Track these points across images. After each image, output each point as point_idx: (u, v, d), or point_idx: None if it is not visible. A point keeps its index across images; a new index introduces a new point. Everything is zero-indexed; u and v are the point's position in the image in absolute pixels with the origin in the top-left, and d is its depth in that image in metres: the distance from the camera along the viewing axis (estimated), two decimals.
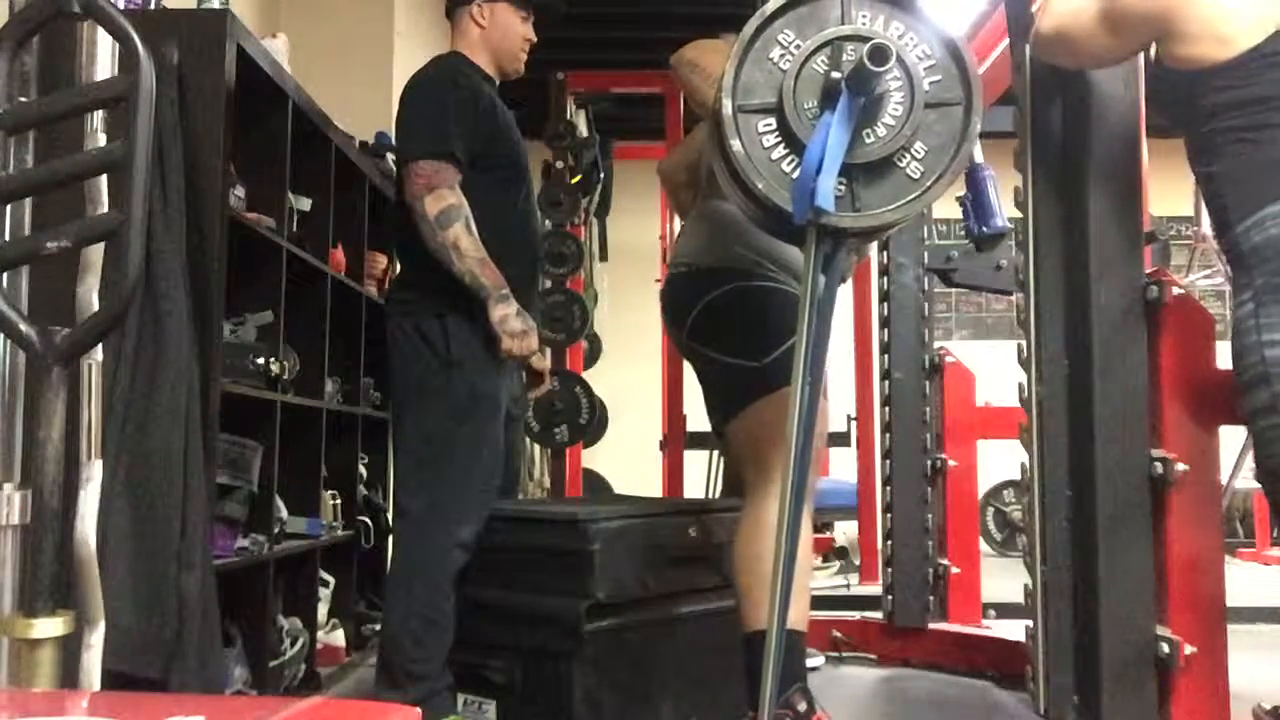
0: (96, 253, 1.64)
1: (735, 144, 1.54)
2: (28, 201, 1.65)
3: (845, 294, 5.44)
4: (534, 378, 2.66)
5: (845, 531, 5.97)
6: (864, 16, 1.56)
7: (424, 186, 2.27)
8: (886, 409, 3.42)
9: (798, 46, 1.56)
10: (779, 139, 1.55)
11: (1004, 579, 3.66)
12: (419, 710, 0.87)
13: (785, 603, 1.59)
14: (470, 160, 2.35)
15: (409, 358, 2.36)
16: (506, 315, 2.28)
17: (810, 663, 2.71)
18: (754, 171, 1.54)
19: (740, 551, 2.06)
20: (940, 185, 1.53)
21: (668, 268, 2.42)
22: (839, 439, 5.32)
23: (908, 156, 1.54)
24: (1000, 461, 4.20)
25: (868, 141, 1.53)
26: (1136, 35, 1.95)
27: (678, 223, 5.75)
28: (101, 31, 1.64)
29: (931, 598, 3.35)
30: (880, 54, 1.45)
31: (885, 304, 3.47)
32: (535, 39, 2.58)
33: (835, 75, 1.52)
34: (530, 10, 2.56)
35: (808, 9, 1.57)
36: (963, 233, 3.32)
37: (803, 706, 1.94)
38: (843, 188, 1.53)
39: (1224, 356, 2.09)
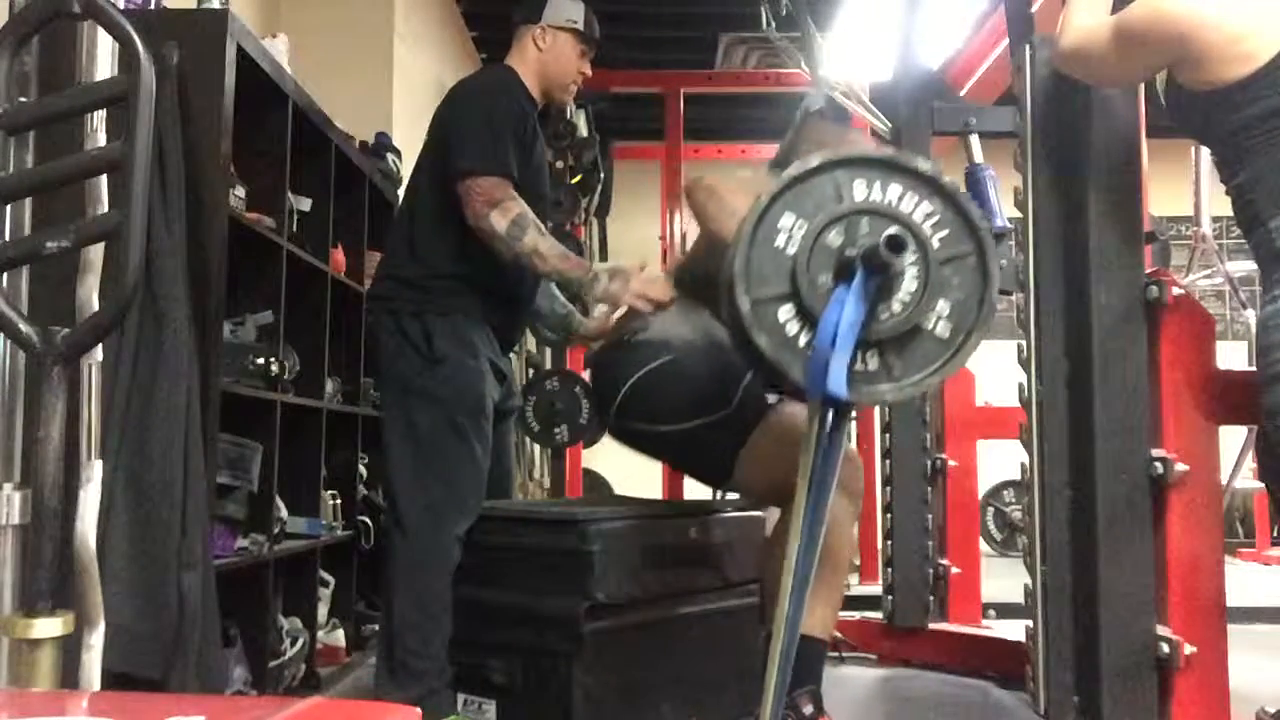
0: (96, 253, 1.64)
1: (762, 340, 1.52)
2: (28, 201, 1.65)
3: None
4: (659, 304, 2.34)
5: None
6: (860, 187, 1.56)
7: (486, 203, 2.26)
8: (886, 409, 3.42)
9: (801, 227, 1.54)
10: (801, 324, 1.53)
11: (1004, 579, 3.66)
12: (419, 710, 0.87)
13: (799, 606, 1.58)
14: None
15: (393, 356, 2.37)
16: (605, 289, 2.29)
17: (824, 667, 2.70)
18: (785, 363, 1.52)
19: (773, 553, 2.05)
20: (973, 340, 1.53)
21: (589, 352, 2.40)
22: None
23: (934, 318, 1.53)
24: (1000, 461, 4.19)
25: (884, 317, 1.52)
26: (1151, 58, 1.94)
27: (678, 223, 5.79)
28: (101, 31, 1.64)
29: (931, 598, 3.35)
30: (897, 244, 1.45)
31: None
32: (590, 75, 2.60)
33: (850, 253, 1.51)
34: (591, 46, 2.57)
35: (801, 190, 1.56)
36: None
37: (809, 709, 1.94)
38: (876, 361, 1.53)
39: (1224, 356, 2.09)
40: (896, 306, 1.53)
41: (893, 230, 1.47)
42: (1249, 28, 1.82)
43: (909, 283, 1.53)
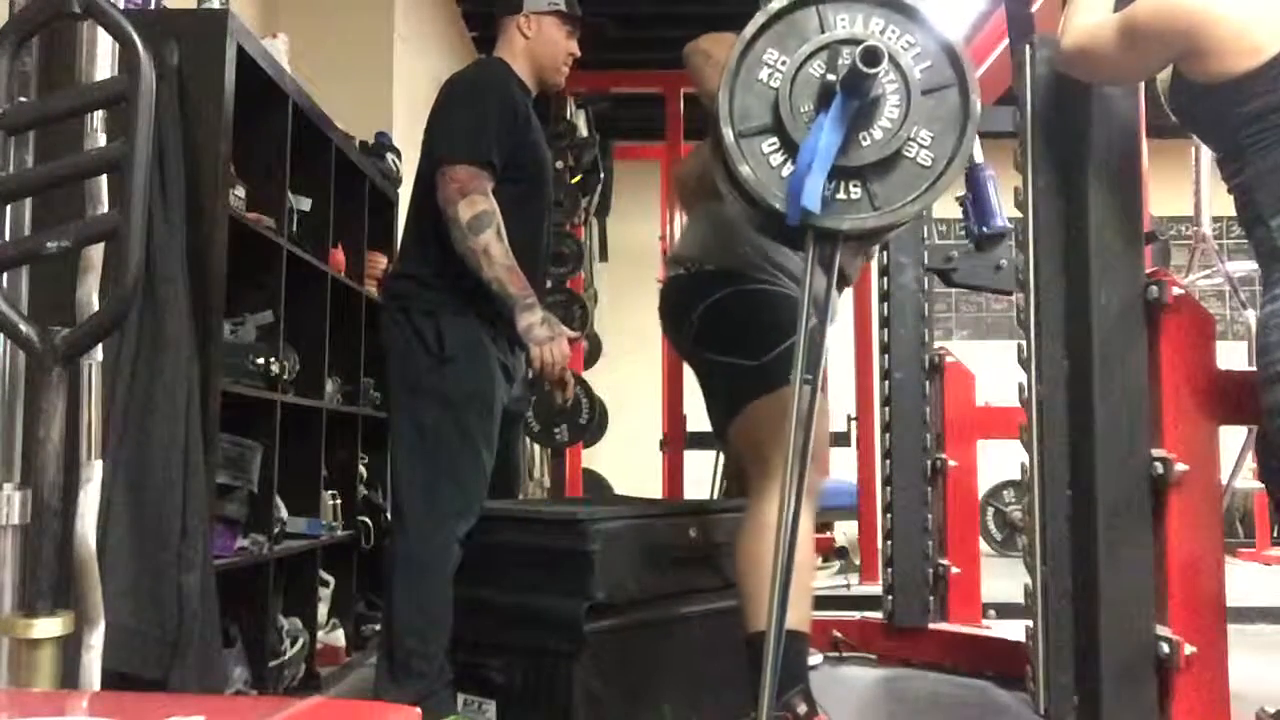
0: (96, 253, 1.64)
1: (745, 169, 1.55)
2: (28, 201, 1.65)
3: (846, 294, 5.45)
4: (555, 383, 2.39)
5: (845, 531, 5.96)
6: (843, 20, 1.58)
7: (458, 191, 2.27)
8: (886, 409, 3.42)
9: (784, 63, 1.57)
10: (785, 155, 1.56)
11: (1004, 579, 3.66)
12: (419, 710, 0.87)
13: (784, 603, 1.58)
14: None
15: (403, 353, 2.36)
16: (531, 324, 2.28)
17: (808, 662, 2.70)
18: (768, 192, 1.55)
19: (743, 552, 2.05)
20: (953, 168, 1.55)
21: (667, 268, 2.42)
22: (839, 439, 5.33)
23: (915, 146, 1.56)
24: (1000, 461, 4.20)
25: (866, 143, 1.55)
26: (1158, 54, 1.94)
27: (678, 223, 5.79)
28: (101, 31, 1.64)
29: (931, 598, 3.35)
30: (872, 55, 1.47)
31: (885, 304, 3.47)
32: (579, 54, 2.59)
33: (830, 78, 1.54)
34: (576, 26, 2.56)
35: (785, 25, 1.59)
36: (963, 233, 3.32)
37: (803, 709, 1.94)
38: (859, 189, 1.55)
39: (1224, 356, 2.09)
40: (878, 133, 1.55)
41: (869, 43, 1.48)
42: (1256, 20, 1.82)
43: (890, 110, 1.55)
